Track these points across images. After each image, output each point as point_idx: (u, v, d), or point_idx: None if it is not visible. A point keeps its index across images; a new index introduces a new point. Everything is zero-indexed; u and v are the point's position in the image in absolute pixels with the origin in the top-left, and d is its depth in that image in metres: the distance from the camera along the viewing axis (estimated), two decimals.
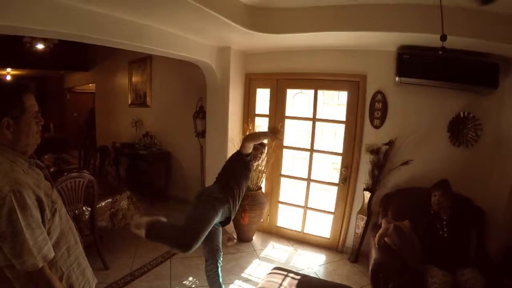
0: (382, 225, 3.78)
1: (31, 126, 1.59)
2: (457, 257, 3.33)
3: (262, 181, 5.30)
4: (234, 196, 3.28)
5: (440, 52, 2.21)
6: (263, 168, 5.14)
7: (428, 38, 3.53)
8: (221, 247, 3.47)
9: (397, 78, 4.15)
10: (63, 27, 3.07)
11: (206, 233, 2.98)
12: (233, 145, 5.18)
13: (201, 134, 5.75)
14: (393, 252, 3.46)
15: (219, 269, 3.44)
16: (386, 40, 4.03)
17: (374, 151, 4.46)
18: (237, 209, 3.41)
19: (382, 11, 3.52)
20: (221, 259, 3.47)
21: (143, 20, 3.72)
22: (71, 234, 1.75)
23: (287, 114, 5.27)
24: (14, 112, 1.51)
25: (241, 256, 4.78)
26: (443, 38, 2.17)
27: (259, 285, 3.08)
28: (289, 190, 5.83)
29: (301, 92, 5.45)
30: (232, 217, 3.38)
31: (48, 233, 1.54)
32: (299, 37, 4.11)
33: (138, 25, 3.73)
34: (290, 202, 5.55)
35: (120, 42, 3.68)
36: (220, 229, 3.46)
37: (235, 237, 4.98)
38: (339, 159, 4.96)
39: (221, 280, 3.49)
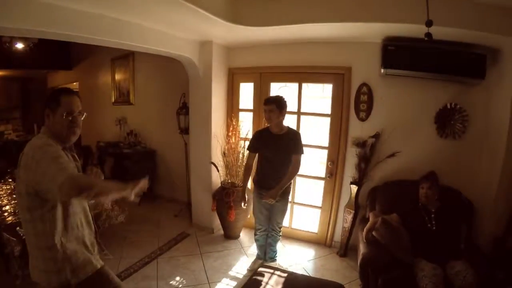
0: (370, 218, 3.75)
1: (62, 119, 1.96)
2: (446, 249, 3.29)
3: None
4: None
5: (425, 38, 2.14)
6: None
7: (413, 29, 3.46)
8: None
9: (382, 70, 4.11)
10: (40, 25, 2.97)
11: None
12: (216, 141, 5.12)
13: (185, 131, 5.66)
14: (382, 246, 3.42)
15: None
16: (371, 31, 3.99)
17: (360, 144, 4.42)
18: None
19: (366, 1, 3.48)
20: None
21: (121, 16, 3.61)
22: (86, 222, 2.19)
23: None
24: (52, 105, 1.98)
25: (229, 254, 4.72)
26: (429, 23, 2.11)
27: (244, 285, 3.03)
28: None
29: (285, 86, 5.37)
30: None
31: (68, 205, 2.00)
32: (282, 29, 4.04)
33: (116, 21, 3.63)
34: None
35: (98, 39, 3.57)
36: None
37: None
38: (325, 152, 4.91)
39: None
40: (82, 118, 2.09)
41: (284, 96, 3.93)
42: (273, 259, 4.37)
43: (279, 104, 3.80)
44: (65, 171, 1.73)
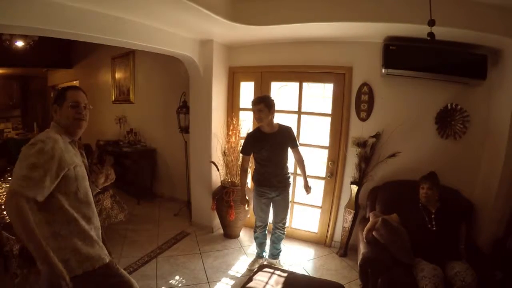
0: (370, 219, 3.74)
1: (68, 111, 2.11)
2: (446, 250, 3.29)
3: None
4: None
5: (428, 38, 2.12)
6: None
7: (415, 29, 3.48)
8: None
9: (383, 70, 4.09)
10: (41, 23, 2.95)
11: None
12: (217, 140, 5.10)
13: (185, 130, 5.65)
14: (382, 246, 3.41)
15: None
16: (373, 31, 3.97)
17: (361, 144, 4.40)
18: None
19: (368, 1, 3.46)
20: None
21: (122, 14, 3.60)
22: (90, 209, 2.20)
23: None
24: (58, 100, 2.14)
25: (228, 253, 4.71)
26: (431, 23, 2.09)
27: (245, 284, 3.01)
28: None
29: (286, 85, 5.36)
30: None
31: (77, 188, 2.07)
32: (283, 28, 4.03)
33: (118, 19, 3.61)
34: None
35: (99, 37, 3.54)
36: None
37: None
38: (325, 152, 4.90)
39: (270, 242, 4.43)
40: (88, 111, 2.22)
41: (270, 96, 4.02)
42: (276, 256, 4.38)
43: (267, 102, 3.80)
44: (22, 181, 1.76)
